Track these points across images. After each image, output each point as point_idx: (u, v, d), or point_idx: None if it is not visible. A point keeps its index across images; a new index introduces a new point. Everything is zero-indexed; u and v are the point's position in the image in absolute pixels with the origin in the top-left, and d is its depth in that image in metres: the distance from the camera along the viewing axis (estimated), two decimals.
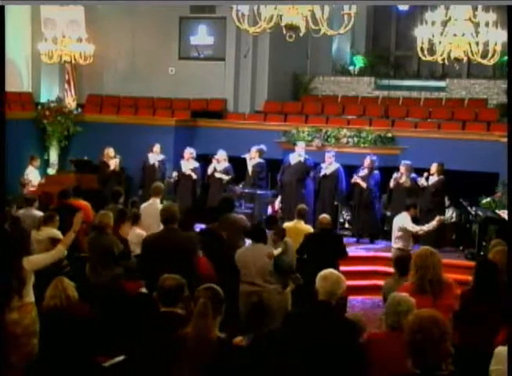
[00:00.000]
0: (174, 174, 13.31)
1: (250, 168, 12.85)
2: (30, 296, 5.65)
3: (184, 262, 6.38)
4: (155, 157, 13.42)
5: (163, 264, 6.28)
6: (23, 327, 5.50)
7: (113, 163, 13.03)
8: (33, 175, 13.53)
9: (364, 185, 12.21)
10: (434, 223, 9.95)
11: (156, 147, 13.40)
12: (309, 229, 9.47)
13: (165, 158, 13.58)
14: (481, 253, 10.50)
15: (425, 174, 11.97)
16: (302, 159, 12.60)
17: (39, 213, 8.87)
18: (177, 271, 4.88)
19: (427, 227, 9.90)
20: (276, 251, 7.46)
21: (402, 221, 9.71)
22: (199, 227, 9.01)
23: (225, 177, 12.82)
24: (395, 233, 9.75)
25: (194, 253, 6.71)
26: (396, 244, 9.72)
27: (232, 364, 3.98)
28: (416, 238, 10.05)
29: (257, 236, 7.52)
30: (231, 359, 3.98)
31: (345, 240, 10.15)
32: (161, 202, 9.49)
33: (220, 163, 12.94)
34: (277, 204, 12.86)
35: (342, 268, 8.28)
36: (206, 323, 3.95)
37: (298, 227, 9.19)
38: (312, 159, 12.77)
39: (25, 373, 5.12)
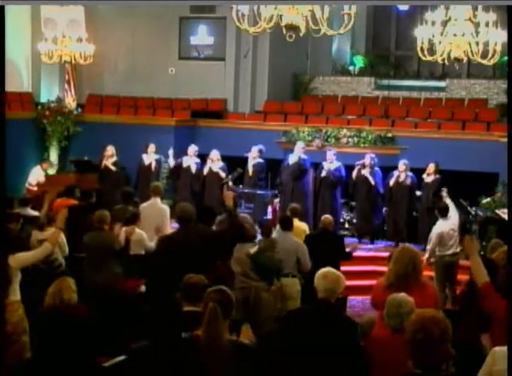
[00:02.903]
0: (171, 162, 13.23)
1: (250, 168, 12.88)
2: (16, 294, 5.66)
3: (207, 261, 6.24)
4: (150, 157, 13.45)
5: (185, 263, 6.04)
6: (12, 325, 5.51)
7: (110, 162, 13.12)
8: (35, 176, 13.60)
9: (372, 181, 12.23)
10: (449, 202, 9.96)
11: (151, 147, 13.43)
12: (304, 226, 9.53)
13: (161, 158, 13.62)
14: (481, 253, 10.50)
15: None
16: (297, 159, 12.61)
17: (34, 213, 8.88)
18: (199, 271, 4.79)
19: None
20: (252, 250, 7.39)
21: (452, 223, 9.67)
22: None
23: (223, 174, 12.81)
24: (451, 238, 9.62)
25: (213, 255, 6.50)
26: (449, 249, 9.62)
27: (246, 366, 3.96)
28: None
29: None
30: (244, 361, 3.97)
31: (346, 240, 10.15)
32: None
33: (214, 162, 12.95)
34: (276, 203, 12.87)
35: (342, 268, 8.29)
36: (217, 328, 3.92)
37: (294, 225, 9.22)
38: (310, 160, 12.75)
39: (17, 372, 5.14)
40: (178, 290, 4.71)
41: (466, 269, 9.51)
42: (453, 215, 9.89)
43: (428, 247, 9.78)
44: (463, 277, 9.53)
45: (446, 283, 9.65)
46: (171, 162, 13.27)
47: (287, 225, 8.27)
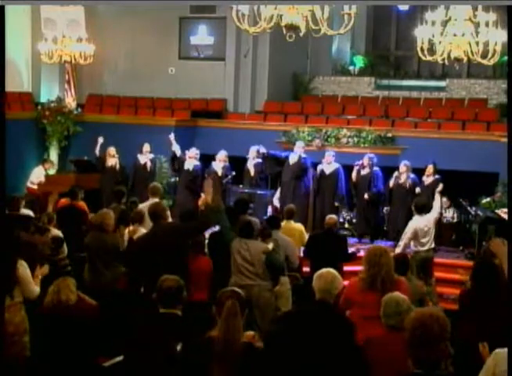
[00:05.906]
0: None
1: (252, 168, 12.88)
2: (20, 295, 5.69)
3: (174, 258, 6.36)
4: (144, 156, 13.45)
5: (155, 262, 6.26)
6: (14, 325, 5.53)
7: (113, 161, 13.15)
8: (37, 176, 13.62)
9: (373, 187, 12.21)
10: (437, 198, 9.91)
11: (146, 147, 13.41)
12: (300, 227, 9.56)
13: (156, 157, 13.61)
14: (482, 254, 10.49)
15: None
16: (298, 158, 12.62)
17: (28, 212, 8.86)
18: (167, 269, 4.84)
19: (437, 207, 9.83)
20: (270, 246, 7.43)
21: (427, 219, 9.51)
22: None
23: (220, 173, 12.83)
24: (425, 235, 9.49)
25: (184, 247, 6.69)
26: (424, 245, 9.49)
27: (258, 367, 3.97)
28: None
29: (248, 232, 7.47)
30: (256, 362, 3.97)
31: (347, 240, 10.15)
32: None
33: (219, 162, 12.96)
34: (275, 200, 12.85)
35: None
36: (236, 324, 3.91)
37: (289, 226, 9.27)
38: (310, 158, 12.75)
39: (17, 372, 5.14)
40: (153, 289, 4.70)
41: (465, 269, 9.59)
42: (433, 211, 9.77)
43: (401, 242, 9.54)
44: (462, 277, 9.54)
45: (423, 278, 9.58)
46: (177, 150, 12.98)
47: (275, 224, 8.42)
